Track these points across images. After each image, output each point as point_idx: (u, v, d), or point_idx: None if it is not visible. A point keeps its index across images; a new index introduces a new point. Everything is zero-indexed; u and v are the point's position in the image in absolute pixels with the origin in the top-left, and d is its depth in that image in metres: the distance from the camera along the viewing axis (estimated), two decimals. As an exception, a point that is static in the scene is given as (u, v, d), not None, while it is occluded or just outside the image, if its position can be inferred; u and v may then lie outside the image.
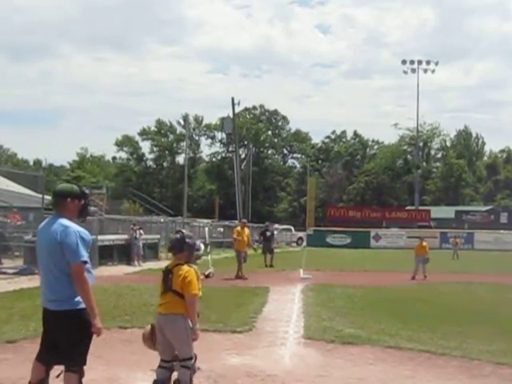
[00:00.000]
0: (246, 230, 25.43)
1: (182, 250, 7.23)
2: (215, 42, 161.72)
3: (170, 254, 29.12)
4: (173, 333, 6.97)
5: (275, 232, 41.84)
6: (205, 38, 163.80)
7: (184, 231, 7.54)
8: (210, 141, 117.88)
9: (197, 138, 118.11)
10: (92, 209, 22.72)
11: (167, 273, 7.15)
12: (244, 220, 28.88)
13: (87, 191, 6.79)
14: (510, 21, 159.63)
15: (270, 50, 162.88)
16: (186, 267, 7.08)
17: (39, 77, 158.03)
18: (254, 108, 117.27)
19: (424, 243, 26.61)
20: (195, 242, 7.45)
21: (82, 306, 5.98)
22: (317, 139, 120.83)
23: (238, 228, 25.95)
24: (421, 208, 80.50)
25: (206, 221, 54.69)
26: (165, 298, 7.09)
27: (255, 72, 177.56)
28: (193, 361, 7.07)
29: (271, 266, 28.40)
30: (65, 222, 6.13)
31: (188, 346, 7.02)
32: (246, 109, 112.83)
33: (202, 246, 9.18)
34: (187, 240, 7.29)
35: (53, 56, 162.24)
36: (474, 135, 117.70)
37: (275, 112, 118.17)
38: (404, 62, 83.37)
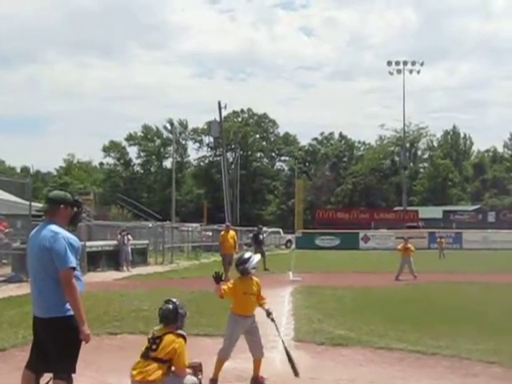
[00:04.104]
0: (231, 233, 25.48)
1: (176, 321, 7.14)
2: (199, 46, 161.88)
3: (158, 259, 28.89)
4: None
5: (264, 235, 41.88)
6: (189, 43, 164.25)
7: (175, 300, 7.34)
8: (197, 145, 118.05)
9: (183, 142, 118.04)
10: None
11: (155, 338, 7.00)
12: (227, 223, 28.87)
13: (80, 200, 6.80)
14: (492, 21, 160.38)
15: (255, 53, 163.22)
16: (177, 339, 6.96)
17: (24, 83, 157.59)
18: (242, 111, 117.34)
19: (409, 244, 26.53)
20: (186, 311, 7.32)
21: (71, 312, 5.97)
22: (303, 142, 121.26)
23: (223, 232, 26.01)
24: (409, 209, 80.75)
25: (194, 225, 54.61)
26: (143, 363, 6.92)
27: (240, 75, 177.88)
28: None
29: (266, 269, 28.32)
30: (55, 228, 6.13)
31: None
32: (234, 112, 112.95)
33: (257, 258, 9.00)
34: (180, 311, 7.19)
35: (38, 62, 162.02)
36: (461, 135, 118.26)
37: (264, 116, 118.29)
38: (389, 63, 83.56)
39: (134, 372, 6.90)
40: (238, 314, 8.54)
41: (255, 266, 8.75)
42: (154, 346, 6.93)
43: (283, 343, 9.09)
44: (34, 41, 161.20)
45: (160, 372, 6.83)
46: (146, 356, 6.94)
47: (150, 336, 7.12)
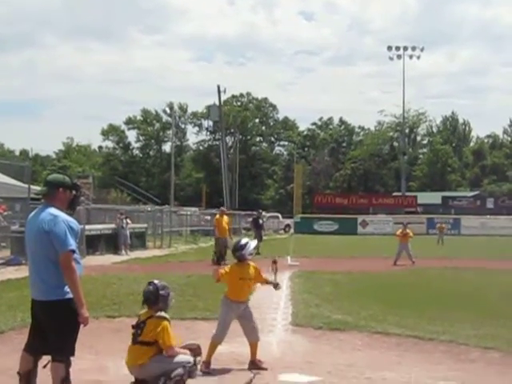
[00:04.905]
0: (226, 218, 25.74)
1: (157, 302, 7.17)
2: (199, 29, 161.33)
3: (157, 243, 28.84)
4: (149, 374, 6.99)
5: (264, 219, 42.00)
6: (188, 26, 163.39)
7: (156, 282, 7.35)
8: (196, 129, 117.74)
9: (183, 126, 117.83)
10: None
11: (140, 323, 7.10)
12: (222, 208, 29.00)
13: (79, 183, 6.79)
14: (492, 7, 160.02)
15: (254, 37, 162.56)
16: (160, 322, 7.01)
17: (23, 67, 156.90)
18: (242, 96, 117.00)
19: (407, 230, 26.55)
20: (169, 292, 7.32)
21: (70, 295, 5.97)
22: (303, 126, 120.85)
23: (217, 216, 26.23)
24: (407, 194, 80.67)
25: (193, 209, 54.63)
26: (132, 348, 7.09)
27: (239, 59, 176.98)
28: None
29: (258, 253, 28.34)
30: (54, 211, 6.12)
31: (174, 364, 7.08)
32: (234, 96, 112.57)
33: (253, 244, 9.04)
34: (161, 292, 7.21)
35: (36, 46, 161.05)
36: (460, 121, 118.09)
37: (264, 100, 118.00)
38: (390, 48, 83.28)
39: (126, 358, 7.12)
40: (231, 300, 8.57)
41: (252, 252, 8.80)
42: (139, 331, 7.04)
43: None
44: (32, 24, 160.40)
45: (147, 355, 6.97)
46: (134, 341, 7.08)
47: (135, 323, 7.21)
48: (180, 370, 7.00)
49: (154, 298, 7.17)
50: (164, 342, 6.97)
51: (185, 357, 7.21)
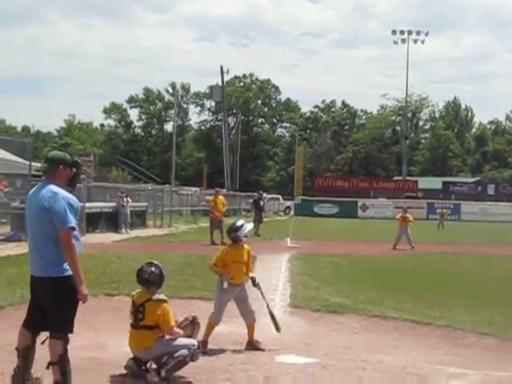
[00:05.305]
0: (221, 198, 25.92)
1: (160, 284, 7.17)
2: (202, 9, 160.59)
3: (157, 222, 28.77)
4: (154, 356, 7.03)
5: (265, 201, 42.00)
6: (193, 6, 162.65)
7: (157, 263, 7.32)
8: (198, 109, 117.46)
9: (185, 105, 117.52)
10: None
11: (138, 307, 7.05)
12: (217, 188, 29.14)
13: (80, 161, 6.78)
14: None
15: (258, 18, 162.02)
16: (160, 305, 7.00)
17: (27, 43, 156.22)
18: (245, 77, 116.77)
19: (407, 214, 26.56)
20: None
21: (69, 272, 5.97)
22: (305, 108, 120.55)
23: (212, 196, 26.43)
24: (408, 178, 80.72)
25: (193, 189, 54.62)
26: (135, 333, 7.07)
27: (243, 40, 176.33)
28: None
29: (258, 235, 28.39)
30: (54, 188, 6.10)
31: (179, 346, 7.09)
32: (236, 77, 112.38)
33: (249, 226, 9.02)
34: (164, 273, 7.21)
35: (40, 22, 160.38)
36: (463, 106, 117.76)
37: (267, 81, 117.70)
38: (394, 32, 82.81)
39: (129, 342, 7.12)
40: None
41: (247, 235, 8.78)
42: (140, 316, 7.01)
43: (268, 307, 9.14)
44: (36, 0, 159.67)
45: (152, 338, 6.98)
46: (136, 326, 7.06)
47: (131, 307, 7.19)
48: (184, 351, 7.02)
49: (158, 280, 7.15)
50: (165, 325, 6.98)
51: (190, 340, 7.23)
